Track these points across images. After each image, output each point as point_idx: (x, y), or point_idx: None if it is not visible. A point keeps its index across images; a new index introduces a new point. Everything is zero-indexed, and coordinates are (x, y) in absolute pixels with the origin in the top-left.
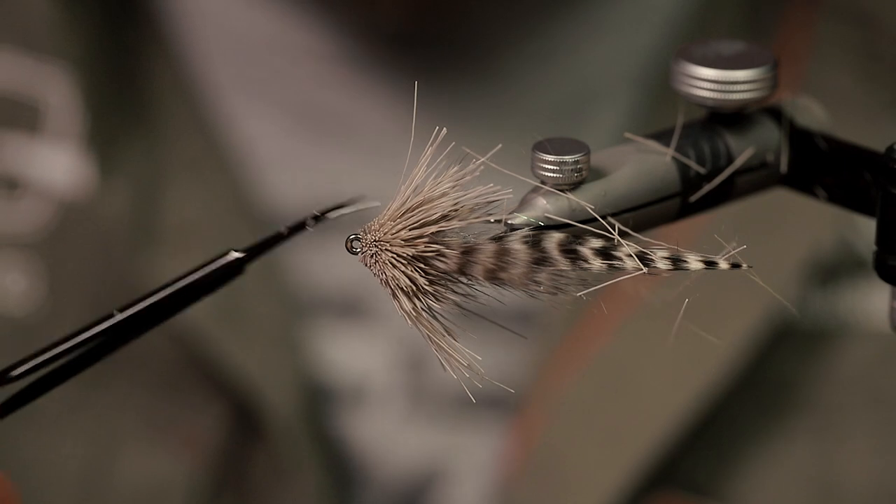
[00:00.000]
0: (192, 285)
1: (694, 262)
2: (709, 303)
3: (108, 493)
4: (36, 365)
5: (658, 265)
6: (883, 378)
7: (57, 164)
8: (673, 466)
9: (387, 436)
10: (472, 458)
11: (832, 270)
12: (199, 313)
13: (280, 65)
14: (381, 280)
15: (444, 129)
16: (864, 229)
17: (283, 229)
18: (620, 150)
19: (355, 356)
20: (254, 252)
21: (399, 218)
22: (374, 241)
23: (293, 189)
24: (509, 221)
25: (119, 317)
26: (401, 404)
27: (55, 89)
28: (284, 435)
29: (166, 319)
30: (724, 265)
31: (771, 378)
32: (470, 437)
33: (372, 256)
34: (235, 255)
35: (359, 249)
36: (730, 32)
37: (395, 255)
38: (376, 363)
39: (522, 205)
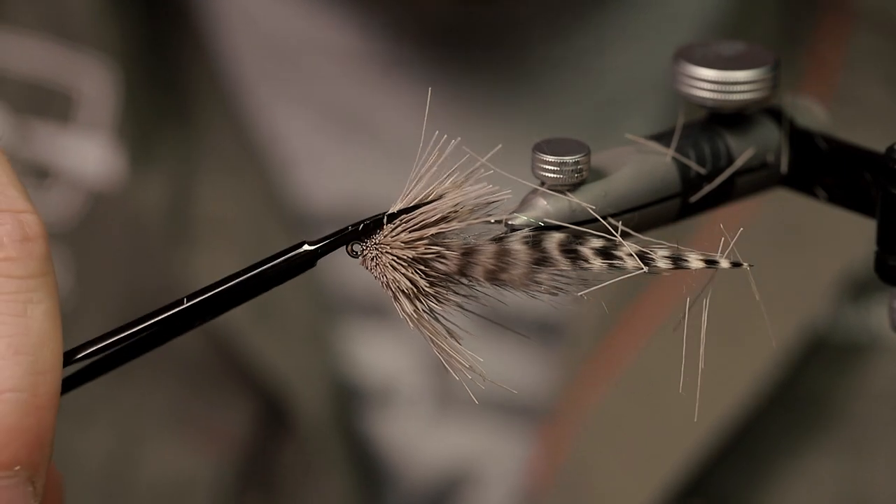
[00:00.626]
0: (262, 275)
1: (694, 262)
2: (741, 316)
3: (134, 486)
4: (100, 348)
5: (658, 264)
6: None
7: (89, 155)
8: (703, 480)
9: (415, 437)
10: (499, 464)
11: (865, 285)
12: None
13: (311, 62)
14: (381, 283)
15: (447, 134)
16: None
17: (359, 225)
18: (621, 151)
19: (385, 357)
20: (328, 247)
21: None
22: (375, 243)
23: (322, 186)
24: (510, 222)
25: (187, 304)
26: (429, 406)
27: (90, 79)
28: (312, 433)
29: (232, 307)
30: (724, 264)
31: (803, 392)
32: (498, 443)
33: (372, 259)
34: (308, 247)
35: (359, 252)
36: (762, 40)
37: (395, 258)
38: (406, 364)
39: (523, 205)
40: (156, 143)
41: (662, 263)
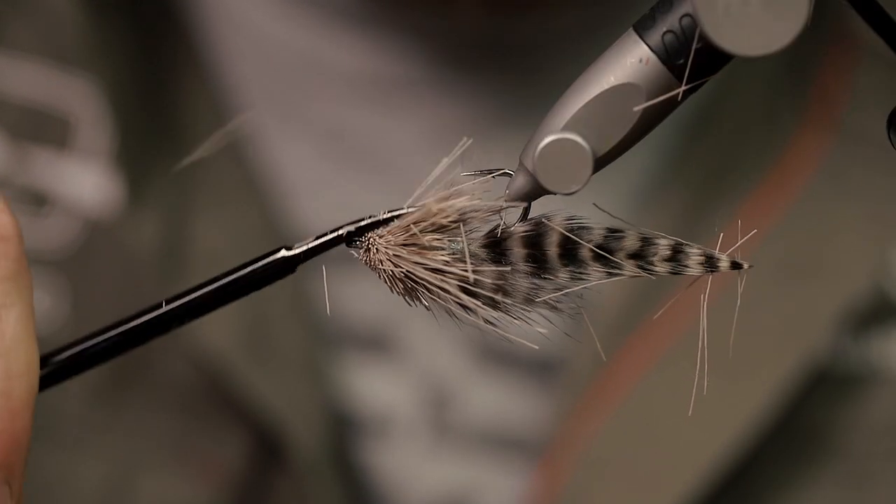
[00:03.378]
0: (240, 280)
1: (694, 266)
2: (743, 348)
3: None
4: (78, 352)
5: (657, 269)
6: None
7: (86, 182)
8: None
9: (410, 469)
10: (495, 496)
11: (866, 318)
12: (224, 341)
13: (316, 86)
14: (379, 276)
15: (458, 158)
16: None
17: (341, 231)
18: (612, 102)
19: (381, 389)
20: (308, 253)
21: (403, 228)
22: (374, 245)
23: (326, 217)
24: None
25: (166, 308)
26: (426, 438)
27: (87, 105)
28: (307, 465)
29: (210, 311)
30: (724, 262)
31: (803, 424)
32: (494, 476)
33: (373, 263)
34: (286, 253)
35: (358, 244)
36: (768, 71)
37: (395, 264)
38: (402, 396)
39: (516, 177)
40: (153, 171)
41: (661, 268)
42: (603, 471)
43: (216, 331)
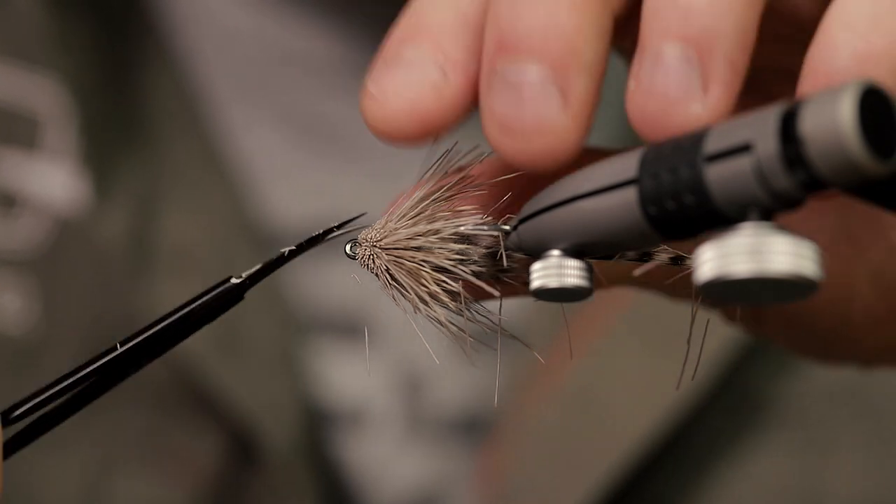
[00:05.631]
0: (192, 314)
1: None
2: (680, 318)
3: None
4: (37, 403)
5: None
6: (868, 390)
7: (55, 182)
8: (642, 485)
9: (384, 459)
10: (466, 482)
11: None
12: (195, 338)
13: (285, 76)
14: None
15: (437, 148)
16: None
17: (284, 251)
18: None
19: (354, 379)
20: (254, 277)
21: (399, 229)
22: (372, 248)
23: (296, 207)
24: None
25: (121, 350)
26: (399, 428)
27: (53, 104)
28: (281, 460)
29: (167, 350)
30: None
31: (747, 392)
32: (466, 462)
33: (372, 265)
34: (235, 281)
35: (357, 251)
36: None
37: (394, 266)
38: (375, 386)
39: (510, 237)
40: (121, 167)
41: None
42: (546, 446)
43: None
